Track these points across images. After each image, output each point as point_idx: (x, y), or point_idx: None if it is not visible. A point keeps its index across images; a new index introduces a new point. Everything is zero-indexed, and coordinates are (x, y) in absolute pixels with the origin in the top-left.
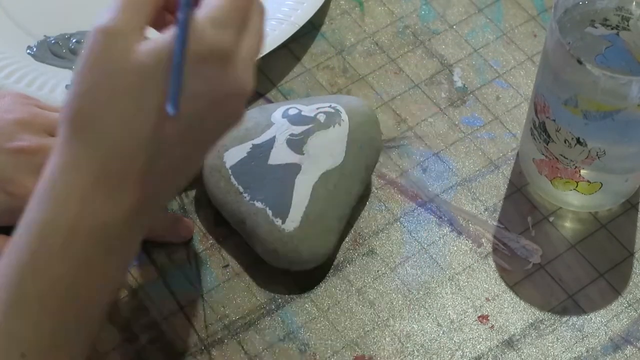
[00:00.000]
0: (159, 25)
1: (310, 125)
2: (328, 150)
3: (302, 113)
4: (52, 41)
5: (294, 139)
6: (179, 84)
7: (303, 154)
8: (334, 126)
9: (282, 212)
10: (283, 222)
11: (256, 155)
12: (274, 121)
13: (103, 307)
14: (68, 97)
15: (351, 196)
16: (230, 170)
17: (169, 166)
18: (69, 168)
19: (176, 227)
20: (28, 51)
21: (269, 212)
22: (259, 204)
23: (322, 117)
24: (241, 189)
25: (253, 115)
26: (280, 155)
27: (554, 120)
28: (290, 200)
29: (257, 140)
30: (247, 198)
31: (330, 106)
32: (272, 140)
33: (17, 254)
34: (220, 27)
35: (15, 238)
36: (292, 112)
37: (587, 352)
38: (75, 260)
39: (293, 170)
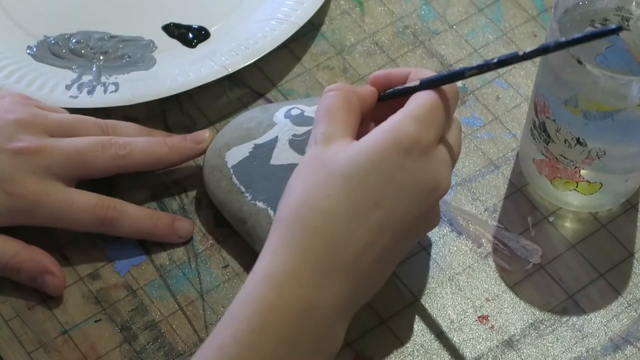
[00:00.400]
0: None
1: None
2: None
3: (305, 114)
4: (52, 41)
5: (296, 140)
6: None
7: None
8: None
9: None
10: None
11: (258, 155)
12: (276, 121)
13: None
14: (284, 194)
15: None
16: (231, 170)
17: (374, 258)
18: (281, 250)
19: (176, 228)
20: (28, 51)
21: (271, 213)
22: (260, 204)
23: None
24: (242, 189)
25: (254, 114)
26: (283, 155)
27: (554, 120)
28: None
29: (259, 140)
30: (249, 198)
31: None
32: (275, 141)
33: (235, 324)
34: (423, 124)
35: (231, 309)
36: (294, 112)
37: (587, 352)
38: (287, 338)
39: None
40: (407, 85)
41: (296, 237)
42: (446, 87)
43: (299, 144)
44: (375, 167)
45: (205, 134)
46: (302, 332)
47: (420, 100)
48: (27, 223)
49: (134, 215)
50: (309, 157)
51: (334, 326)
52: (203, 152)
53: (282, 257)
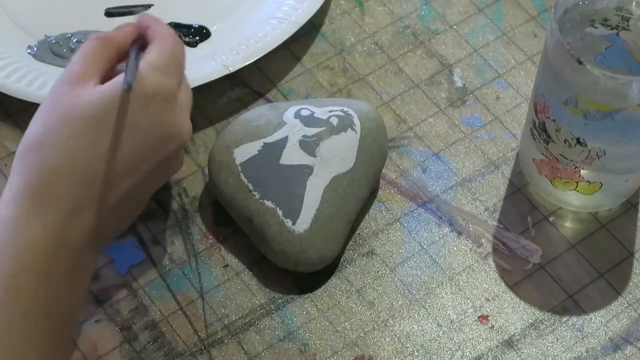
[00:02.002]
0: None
1: (323, 128)
2: (340, 154)
3: (315, 115)
4: (53, 41)
5: (306, 141)
6: (135, 66)
7: (315, 157)
8: (346, 131)
9: (293, 213)
10: (293, 224)
11: (267, 154)
12: (286, 121)
13: (65, 322)
14: (28, 129)
15: (359, 201)
16: (240, 167)
17: (118, 198)
18: (29, 193)
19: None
20: (28, 51)
21: (280, 212)
22: (269, 203)
23: (334, 121)
24: (251, 187)
25: (264, 112)
26: (293, 155)
27: (554, 120)
28: (301, 202)
29: (269, 139)
30: (257, 196)
31: (342, 110)
32: (285, 140)
33: None
34: (163, 73)
35: None
36: (304, 113)
37: (587, 352)
38: (42, 275)
39: (305, 171)
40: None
41: (37, 178)
42: (172, 36)
43: (309, 145)
44: (113, 108)
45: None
46: (55, 268)
47: (160, 50)
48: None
49: None
50: (51, 94)
51: (84, 258)
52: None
53: (25, 202)
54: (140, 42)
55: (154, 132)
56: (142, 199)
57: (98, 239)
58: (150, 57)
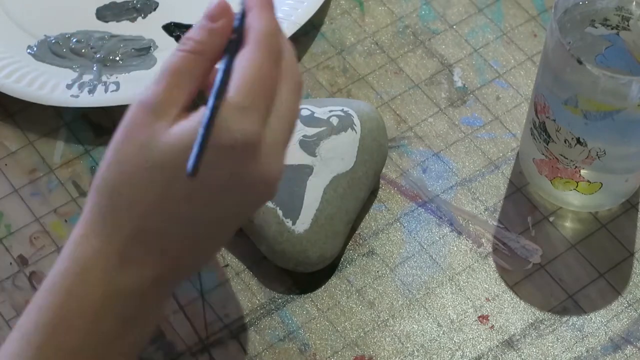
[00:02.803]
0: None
1: (323, 128)
2: (340, 154)
3: (315, 115)
4: (53, 41)
5: (307, 141)
6: (201, 149)
7: (316, 156)
8: (346, 131)
9: (293, 213)
10: (293, 223)
11: None
12: None
13: None
14: (101, 164)
15: (358, 201)
16: None
17: (189, 243)
18: (91, 234)
19: None
20: (28, 51)
21: (280, 212)
22: (269, 204)
23: (335, 121)
24: None
25: None
26: (293, 156)
27: (554, 120)
28: (301, 202)
29: None
30: None
31: (342, 110)
32: None
33: (37, 313)
34: (245, 113)
35: (36, 297)
36: (304, 113)
37: (587, 352)
38: (88, 324)
39: (305, 171)
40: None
41: (103, 220)
42: (263, 44)
43: (309, 145)
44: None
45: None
46: (104, 316)
47: (243, 75)
48: None
49: None
50: (129, 119)
51: (145, 308)
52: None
53: (87, 242)
54: (235, 44)
55: (234, 186)
56: (213, 246)
57: (160, 288)
58: (230, 94)
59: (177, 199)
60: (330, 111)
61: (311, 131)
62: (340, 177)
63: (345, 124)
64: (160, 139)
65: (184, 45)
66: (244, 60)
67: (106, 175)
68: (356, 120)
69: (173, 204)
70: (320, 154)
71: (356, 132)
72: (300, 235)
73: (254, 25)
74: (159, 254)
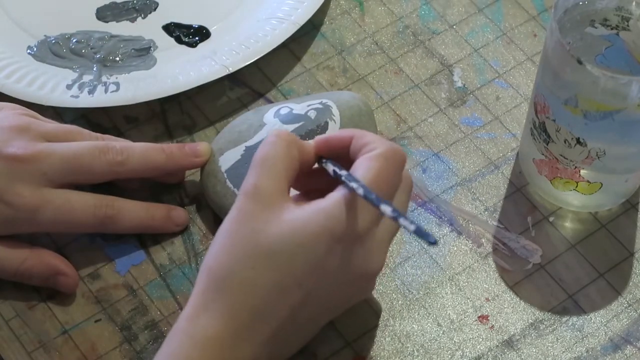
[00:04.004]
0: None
1: (300, 123)
2: None
3: (294, 111)
4: (53, 41)
5: None
6: (417, 225)
7: None
8: (323, 122)
9: None
10: None
11: (249, 157)
12: (265, 122)
13: None
14: (212, 247)
15: None
16: (225, 174)
17: (293, 329)
18: (203, 312)
19: (172, 216)
20: (28, 51)
21: None
22: None
23: (312, 114)
24: (237, 192)
25: (247, 117)
26: None
27: (554, 120)
28: None
29: (250, 142)
30: None
31: (320, 102)
32: None
33: None
34: (358, 210)
35: None
36: (283, 111)
37: (587, 352)
38: None
39: None
40: (343, 176)
41: (219, 302)
42: (391, 156)
43: None
44: (302, 249)
45: (201, 147)
46: None
47: (364, 179)
48: (28, 231)
49: (132, 210)
50: (237, 212)
51: None
52: (201, 166)
53: (204, 320)
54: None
55: (341, 275)
56: (318, 326)
57: None
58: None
59: (290, 285)
60: (309, 105)
61: (289, 128)
62: None
63: (323, 115)
64: (273, 227)
65: (273, 133)
66: (363, 164)
67: (221, 259)
68: (335, 111)
69: (285, 289)
70: None
71: (335, 122)
72: None
73: (369, 142)
74: (272, 339)
